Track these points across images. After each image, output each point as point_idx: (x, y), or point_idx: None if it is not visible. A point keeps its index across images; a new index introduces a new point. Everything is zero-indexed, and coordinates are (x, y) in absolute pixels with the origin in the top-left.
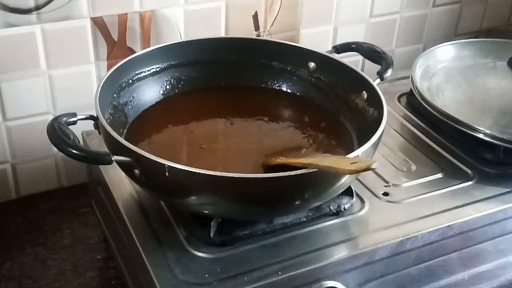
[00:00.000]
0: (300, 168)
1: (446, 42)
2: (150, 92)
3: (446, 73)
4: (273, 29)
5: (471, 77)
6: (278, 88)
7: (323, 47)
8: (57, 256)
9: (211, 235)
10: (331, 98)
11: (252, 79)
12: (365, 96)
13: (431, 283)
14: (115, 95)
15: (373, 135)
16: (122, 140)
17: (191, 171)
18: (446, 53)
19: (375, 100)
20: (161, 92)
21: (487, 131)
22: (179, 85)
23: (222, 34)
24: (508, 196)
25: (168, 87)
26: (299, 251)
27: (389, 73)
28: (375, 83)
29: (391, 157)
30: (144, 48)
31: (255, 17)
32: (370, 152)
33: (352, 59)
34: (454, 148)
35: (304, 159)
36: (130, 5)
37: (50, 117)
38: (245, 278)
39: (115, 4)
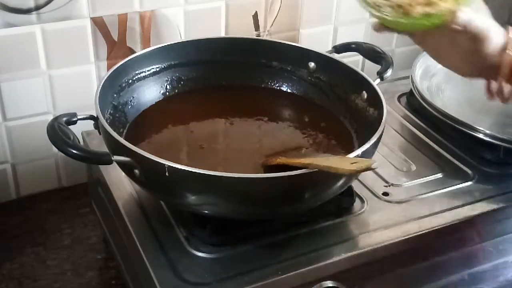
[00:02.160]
0: (300, 168)
1: None
2: (150, 92)
3: (446, 73)
4: (273, 29)
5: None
6: (278, 88)
7: (323, 47)
8: (57, 256)
9: (211, 235)
10: (331, 98)
11: (252, 79)
12: (365, 96)
13: (431, 283)
14: (115, 95)
15: (373, 135)
16: (122, 140)
17: (191, 171)
18: None
19: (375, 100)
20: (161, 92)
21: (487, 131)
22: (179, 85)
23: (222, 34)
24: (508, 196)
25: (168, 87)
26: (299, 251)
27: (389, 73)
28: (375, 83)
29: (391, 157)
30: (144, 48)
31: (255, 17)
32: (370, 152)
33: (352, 59)
34: (454, 148)
35: (304, 159)
36: (130, 5)
37: (50, 117)
38: (245, 278)
39: (115, 4)
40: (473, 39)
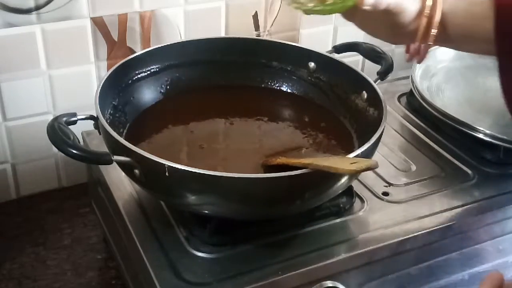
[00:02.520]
0: (300, 168)
1: None
2: (150, 92)
3: (446, 73)
4: (273, 29)
5: (471, 77)
6: (278, 88)
7: (323, 47)
8: (57, 256)
9: (211, 235)
10: (331, 98)
11: (252, 79)
12: (365, 96)
13: (431, 283)
14: (115, 95)
15: (373, 135)
16: (122, 140)
17: (191, 171)
18: (446, 53)
19: (375, 100)
20: (161, 92)
21: (487, 131)
22: (179, 85)
23: (222, 34)
24: (508, 196)
25: (168, 87)
26: (299, 251)
27: (389, 73)
28: (375, 83)
29: (391, 157)
30: (144, 48)
31: (255, 17)
32: (370, 152)
33: (352, 59)
34: (454, 148)
35: (304, 159)
36: (130, 5)
37: (50, 117)
38: (245, 278)
39: (115, 4)
40: (388, 13)
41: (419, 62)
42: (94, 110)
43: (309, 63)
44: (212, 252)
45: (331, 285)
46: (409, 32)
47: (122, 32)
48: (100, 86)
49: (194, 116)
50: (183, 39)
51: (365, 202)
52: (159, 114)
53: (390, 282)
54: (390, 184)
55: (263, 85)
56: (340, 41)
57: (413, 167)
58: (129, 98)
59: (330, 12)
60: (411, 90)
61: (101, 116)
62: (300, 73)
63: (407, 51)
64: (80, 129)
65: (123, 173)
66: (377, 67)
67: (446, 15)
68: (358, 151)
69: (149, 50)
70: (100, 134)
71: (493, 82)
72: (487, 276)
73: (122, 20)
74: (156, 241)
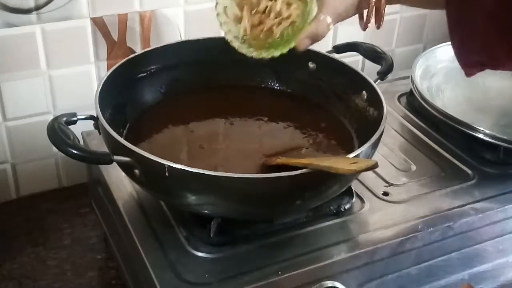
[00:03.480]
0: (300, 168)
1: (446, 42)
2: (150, 92)
3: (446, 73)
4: None
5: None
6: (278, 88)
7: (323, 47)
8: (57, 256)
9: (211, 235)
10: (331, 98)
11: (252, 79)
12: (365, 96)
13: (431, 283)
14: (115, 95)
15: (373, 135)
16: (122, 140)
17: (191, 171)
18: (446, 53)
19: (375, 100)
20: (161, 92)
21: (487, 131)
22: (179, 85)
23: (222, 34)
24: (508, 196)
25: (168, 87)
26: (299, 251)
27: (389, 73)
28: (375, 83)
29: (391, 157)
30: (144, 48)
31: None
32: (370, 152)
33: (352, 59)
34: (454, 148)
35: (304, 159)
36: (130, 5)
37: (50, 117)
38: (245, 278)
39: (115, 4)
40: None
41: (378, 27)
42: (94, 110)
43: (309, 63)
44: (212, 252)
45: (331, 285)
46: (362, 5)
47: (122, 32)
48: (100, 86)
49: (194, 116)
50: (183, 39)
51: (365, 202)
52: (159, 114)
53: (390, 282)
54: (390, 184)
55: (263, 85)
56: (340, 41)
57: (413, 167)
58: (129, 98)
59: (288, 45)
60: (411, 90)
61: (101, 116)
62: (300, 73)
63: (360, 19)
64: (80, 129)
65: (123, 173)
66: (377, 67)
67: None
68: (358, 151)
69: (149, 50)
70: (100, 134)
71: (493, 82)
72: None
73: (122, 20)
74: (156, 241)
